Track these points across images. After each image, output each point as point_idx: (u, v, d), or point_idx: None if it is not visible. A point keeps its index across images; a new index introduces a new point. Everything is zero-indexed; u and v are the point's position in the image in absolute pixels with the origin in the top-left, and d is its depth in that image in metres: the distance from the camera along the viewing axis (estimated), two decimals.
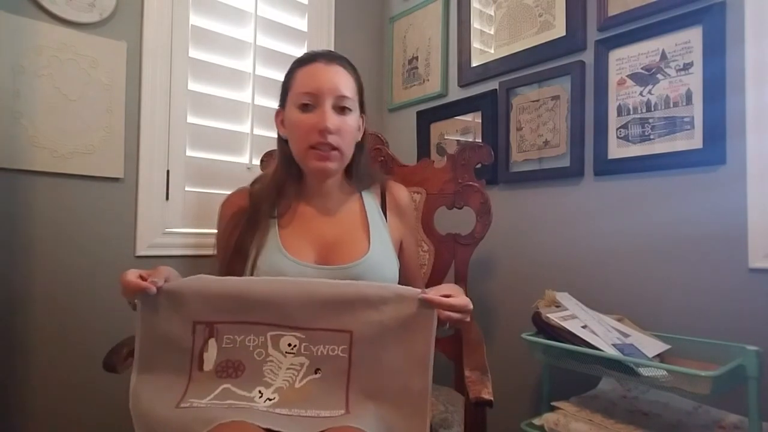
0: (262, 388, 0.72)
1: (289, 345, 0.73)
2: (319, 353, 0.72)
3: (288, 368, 0.73)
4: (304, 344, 0.73)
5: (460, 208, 1.25)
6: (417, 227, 1.06)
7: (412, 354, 0.72)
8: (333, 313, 0.73)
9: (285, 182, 0.96)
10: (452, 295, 0.76)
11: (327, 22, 1.77)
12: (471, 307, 0.77)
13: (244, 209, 0.94)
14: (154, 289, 0.73)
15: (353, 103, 0.92)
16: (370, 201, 1.01)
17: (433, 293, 0.75)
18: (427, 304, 0.73)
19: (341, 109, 0.89)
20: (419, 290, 0.75)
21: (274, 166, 0.99)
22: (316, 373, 0.72)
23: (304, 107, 0.89)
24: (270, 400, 0.71)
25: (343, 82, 0.90)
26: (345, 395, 0.71)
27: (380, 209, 1.01)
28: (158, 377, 0.72)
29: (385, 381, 0.72)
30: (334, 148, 0.88)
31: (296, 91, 0.90)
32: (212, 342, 0.73)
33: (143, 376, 0.72)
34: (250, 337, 0.73)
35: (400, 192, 1.05)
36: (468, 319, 0.78)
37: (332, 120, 0.87)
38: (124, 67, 1.29)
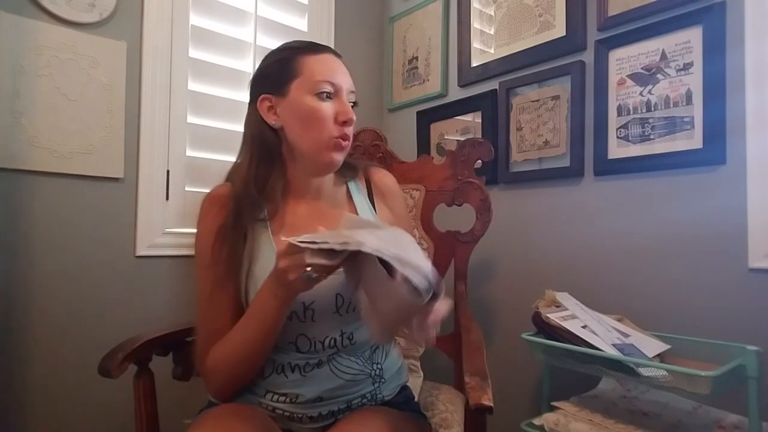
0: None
1: None
2: None
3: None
4: None
5: (460, 206, 1.25)
6: (406, 213, 1.04)
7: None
8: None
9: (267, 179, 0.87)
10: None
11: (327, 22, 1.77)
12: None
13: (230, 213, 0.86)
14: None
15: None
16: (357, 192, 0.97)
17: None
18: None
19: (352, 105, 0.89)
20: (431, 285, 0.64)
21: (247, 160, 0.87)
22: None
23: (324, 95, 0.84)
24: None
25: (350, 77, 0.90)
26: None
27: (368, 199, 0.98)
28: None
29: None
30: (348, 140, 0.87)
31: (312, 78, 0.84)
32: None
33: None
34: None
35: (384, 177, 1.01)
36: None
37: (353, 112, 0.87)
38: (124, 67, 1.29)
